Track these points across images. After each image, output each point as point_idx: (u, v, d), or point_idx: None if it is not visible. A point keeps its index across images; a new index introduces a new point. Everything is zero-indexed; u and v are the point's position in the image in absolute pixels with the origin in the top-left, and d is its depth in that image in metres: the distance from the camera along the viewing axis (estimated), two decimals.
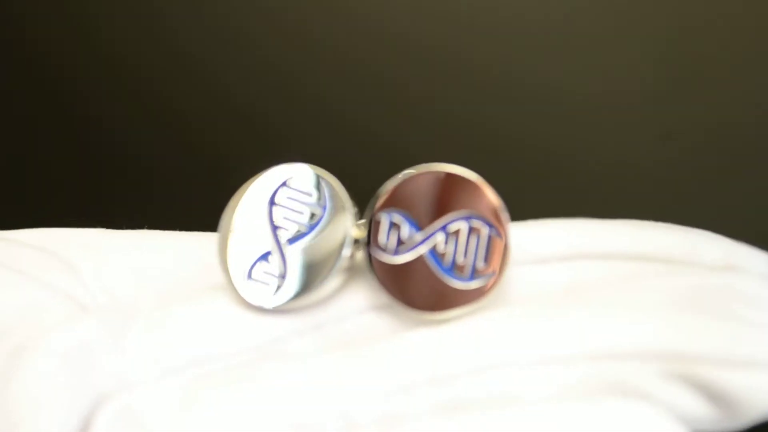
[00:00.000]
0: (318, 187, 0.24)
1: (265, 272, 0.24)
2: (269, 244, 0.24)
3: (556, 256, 0.24)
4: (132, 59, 0.38)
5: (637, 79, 0.36)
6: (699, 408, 0.21)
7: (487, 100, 0.37)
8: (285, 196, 0.24)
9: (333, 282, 0.23)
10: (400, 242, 0.23)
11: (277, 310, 0.24)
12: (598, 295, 0.23)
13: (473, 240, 0.23)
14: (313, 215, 0.24)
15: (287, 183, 0.24)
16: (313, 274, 0.23)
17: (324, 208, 0.24)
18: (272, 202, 0.24)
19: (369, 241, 0.23)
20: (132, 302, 0.26)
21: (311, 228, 0.24)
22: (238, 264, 0.24)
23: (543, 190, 0.35)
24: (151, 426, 0.21)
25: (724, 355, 0.21)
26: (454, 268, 0.23)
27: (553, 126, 0.36)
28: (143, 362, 0.23)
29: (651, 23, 0.37)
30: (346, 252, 0.23)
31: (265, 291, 0.23)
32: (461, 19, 0.38)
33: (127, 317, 0.24)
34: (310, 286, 0.23)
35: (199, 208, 0.28)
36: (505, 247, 0.23)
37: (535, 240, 0.24)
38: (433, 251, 0.23)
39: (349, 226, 0.24)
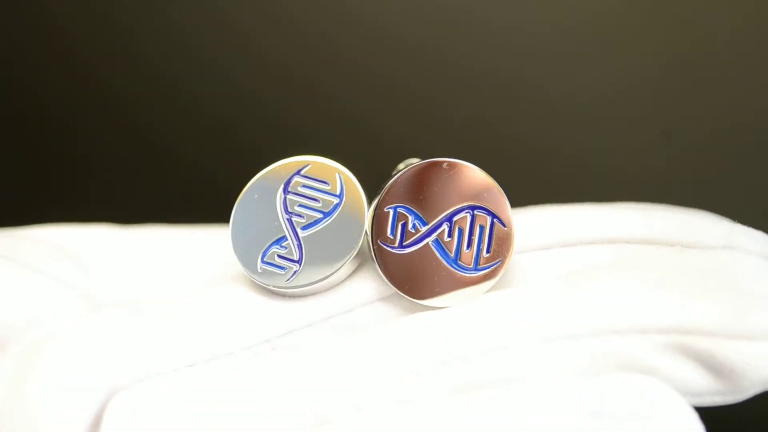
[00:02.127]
0: (332, 176, 0.24)
1: (280, 257, 0.24)
2: (284, 230, 0.24)
3: (559, 242, 0.24)
4: (156, 60, 0.39)
5: (637, 80, 0.37)
6: (701, 380, 0.22)
7: (492, 101, 0.37)
8: (299, 184, 0.24)
9: (346, 268, 0.24)
10: (405, 234, 0.24)
11: (291, 295, 0.24)
12: (600, 276, 0.23)
13: (477, 230, 0.24)
14: (327, 203, 0.24)
15: (301, 172, 0.25)
16: (326, 260, 0.24)
17: (338, 196, 0.24)
18: (286, 191, 0.24)
19: (375, 234, 0.24)
20: (143, 296, 0.26)
21: (325, 215, 0.24)
22: (253, 249, 0.24)
23: (544, 189, 0.35)
24: (163, 416, 0.22)
25: (725, 327, 0.21)
26: (460, 258, 0.24)
27: (556, 126, 0.37)
28: (155, 355, 0.23)
29: (652, 25, 0.37)
30: (358, 240, 0.24)
31: (279, 275, 0.24)
32: (468, 25, 0.38)
33: (138, 311, 0.24)
34: (324, 271, 0.24)
35: (213, 201, 0.29)
36: (509, 236, 0.24)
37: (538, 227, 0.25)
38: (438, 242, 0.24)
39: (361, 215, 0.24)
